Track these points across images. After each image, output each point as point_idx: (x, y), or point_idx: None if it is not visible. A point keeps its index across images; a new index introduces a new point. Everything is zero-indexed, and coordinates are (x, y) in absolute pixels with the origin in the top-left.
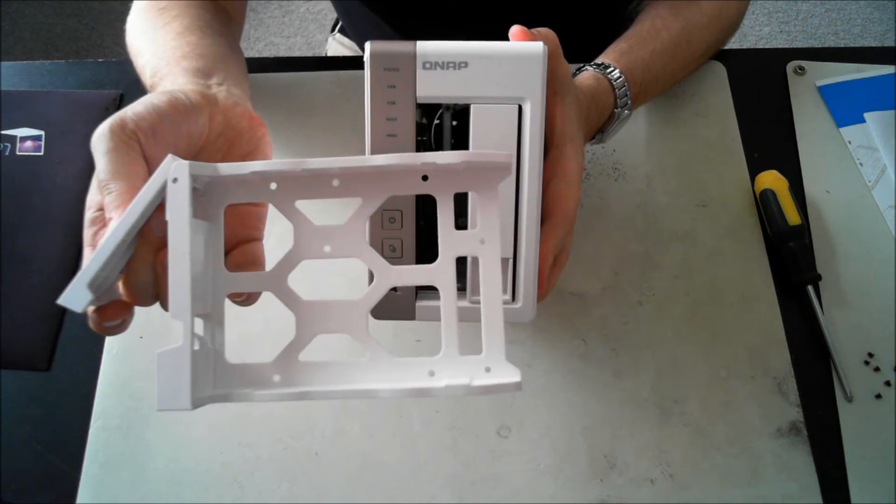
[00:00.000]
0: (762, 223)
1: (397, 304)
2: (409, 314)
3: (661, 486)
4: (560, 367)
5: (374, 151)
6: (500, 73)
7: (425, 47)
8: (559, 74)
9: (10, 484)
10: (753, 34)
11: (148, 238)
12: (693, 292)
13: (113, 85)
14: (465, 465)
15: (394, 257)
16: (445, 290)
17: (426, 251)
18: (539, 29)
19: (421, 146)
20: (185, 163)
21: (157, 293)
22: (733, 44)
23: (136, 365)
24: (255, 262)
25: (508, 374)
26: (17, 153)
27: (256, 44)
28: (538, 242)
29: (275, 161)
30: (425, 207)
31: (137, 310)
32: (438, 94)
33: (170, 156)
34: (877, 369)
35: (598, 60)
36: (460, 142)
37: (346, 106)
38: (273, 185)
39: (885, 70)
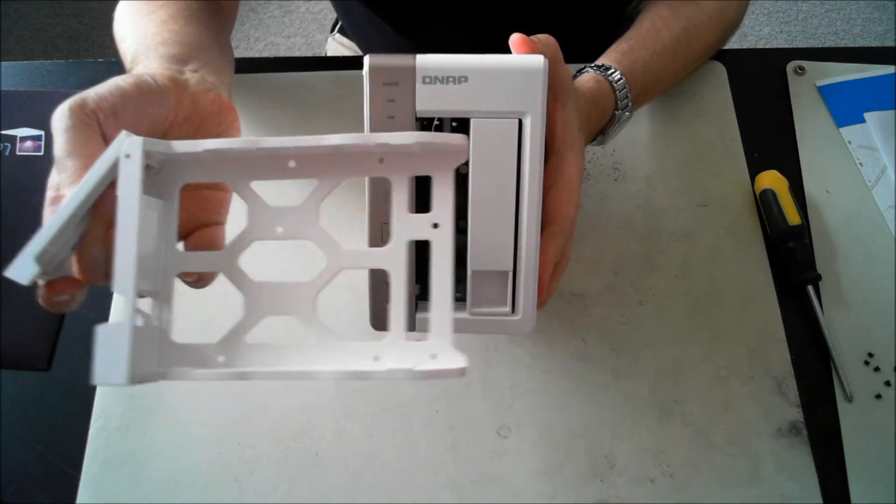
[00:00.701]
0: (762, 223)
1: None
2: (408, 326)
3: (661, 486)
4: (560, 367)
5: None
6: (500, 88)
7: (425, 61)
8: (560, 79)
9: (10, 484)
10: (753, 34)
11: (101, 214)
12: (693, 292)
13: None
14: (465, 465)
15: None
16: (396, 274)
17: (421, 264)
18: (539, 36)
19: None
20: (139, 139)
21: (108, 271)
22: (733, 44)
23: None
24: (215, 246)
25: (454, 361)
26: (17, 153)
27: (256, 44)
28: (538, 255)
29: (229, 140)
30: None
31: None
32: (438, 109)
33: (123, 132)
34: (877, 369)
35: (599, 62)
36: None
37: (346, 106)
38: (228, 165)
39: (885, 70)
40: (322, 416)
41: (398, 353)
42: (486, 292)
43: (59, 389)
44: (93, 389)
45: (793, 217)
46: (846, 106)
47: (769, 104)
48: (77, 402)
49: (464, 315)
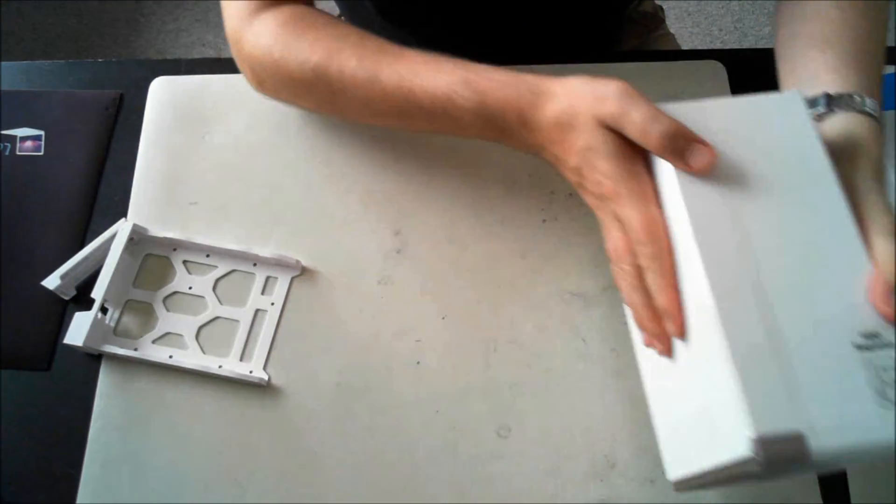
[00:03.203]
0: None
1: None
2: None
3: (662, 486)
4: (560, 367)
5: None
6: None
7: None
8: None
9: (10, 484)
10: (753, 34)
11: None
12: None
13: (113, 85)
14: (465, 465)
15: None
16: None
17: None
18: None
19: None
20: (130, 223)
21: None
22: (733, 44)
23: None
24: None
25: (259, 375)
26: (17, 153)
27: None
28: None
29: (175, 237)
30: None
31: (138, 316)
32: None
33: (123, 219)
34: None
35: (846, 88)
36: None
37: None
38: (174, 248)
39: (885, 70)
40: (322, 416)
41: (238, 366)
42: None
43: (59, 389)
44: (93, 389)
45: None
46: None
47: None
48: (77, 402)
49: None
